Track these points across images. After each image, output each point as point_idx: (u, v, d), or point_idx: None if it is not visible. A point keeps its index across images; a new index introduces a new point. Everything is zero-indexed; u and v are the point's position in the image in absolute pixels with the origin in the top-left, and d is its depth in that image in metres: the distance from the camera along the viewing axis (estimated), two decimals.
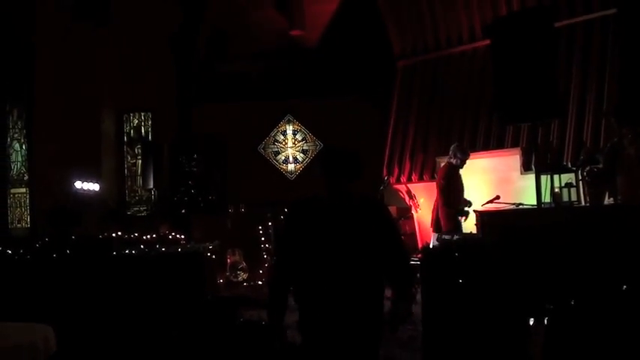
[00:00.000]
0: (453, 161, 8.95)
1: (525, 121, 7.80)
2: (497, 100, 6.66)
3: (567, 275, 5.53)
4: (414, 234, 11.22)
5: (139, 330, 8.87)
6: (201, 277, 9.57)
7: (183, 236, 10.45)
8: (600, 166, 7.18)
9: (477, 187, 10.02)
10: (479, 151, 10.80)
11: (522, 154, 10.13)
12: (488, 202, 8.69)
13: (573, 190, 7.38)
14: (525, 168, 9.99)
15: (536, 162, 7.53)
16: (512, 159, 10.14)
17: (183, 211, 12.56)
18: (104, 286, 9.21)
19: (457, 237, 8.28)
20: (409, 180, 11.81)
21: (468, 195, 10.46)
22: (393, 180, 11.84)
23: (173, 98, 14.05)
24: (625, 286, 5.00)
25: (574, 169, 7.77)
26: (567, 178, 7.58)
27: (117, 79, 13.62)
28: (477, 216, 8.56)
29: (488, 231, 7.32)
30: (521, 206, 7.83)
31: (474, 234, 8.32)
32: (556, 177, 7.53)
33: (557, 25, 8.62)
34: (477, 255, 6.73)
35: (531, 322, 5.48)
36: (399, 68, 12.65)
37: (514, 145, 10.38)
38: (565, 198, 7.35)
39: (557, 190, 7.39)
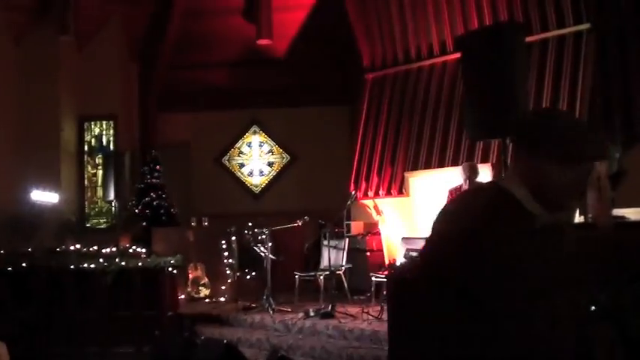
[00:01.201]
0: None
1: (495, 137, 7.79)
2: (468, 114, 6.64)
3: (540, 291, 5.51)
4: (380, 250, 11.17)
5: (98, 346, 8.74)
6: (161, 293, 9.46)
7: (144, 250, 10.30)
8: None
9: (444, 203, 9.98)
10: (448, 165, 10.81)
11: (492, 169, 10.14)
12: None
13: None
14: None
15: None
16: (482, 174, 10.12)
17: (144, 223, 12.40)
18: (61, 300, 9.07)
19: None
20: (376, 195, 11.78)
21: (437, 210, 10.47)
22: (360, 194, 11.80)
23: (136, 106, 13.91)
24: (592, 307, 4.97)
25: None
26: None
27: (78, 86, 13.44)
28: None
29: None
30: None
31: None
32: None
33: (529, 39, 8.67)
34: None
35: None
36: (368, 80, 12.63)
37: (484, 160, 10.39)
38: None
39: None
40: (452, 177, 10.32)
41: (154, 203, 12.66)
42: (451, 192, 9.07)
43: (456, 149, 10.93)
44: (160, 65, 13.96)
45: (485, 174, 10.05)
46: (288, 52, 13.62)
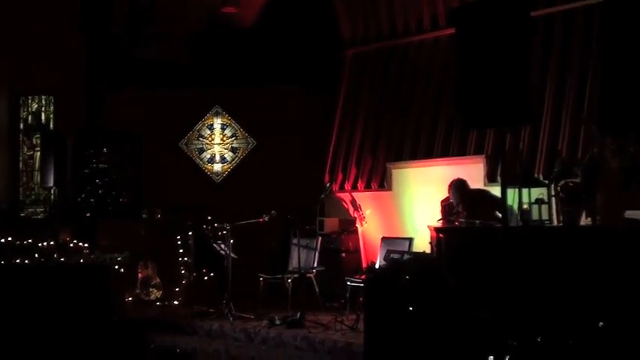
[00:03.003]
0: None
1: (492, 126, 7.79)
2: (460, 99, 6.60)
3: (534, 306, 5.51)
4: (358, 251, 11.17)
5: (31, 355, 8.61)
6: (106, 294, 9.39)
7: (86, 245, 10.24)
8: (577, 180, 7.20)
9: (432, 199, 10.01)
10: (437, 157, 10.82)
11: (487, 162, 10.15)
12: (444, 218, 8.71)
13: (545, 207, 7.40)
14: (490, 179, 10.01)
15: (503, 173, 7.51)
16: (474, 168, 10.15)
17: (88, 214, 12.28)
18: None
19: (408, 256, 8.27)
20: (354, 188, 11.75)
21: (422, 208, 10.51)
22: (335, 187, 11.78)
23: (82, 81, 13.72)
24: (601, 323, 4.99)
25: (546, 182, 7.80)
26: (538, 192, 7.61)
27: (13, 55, 13.23)
28: (431, 233, 8.59)
29: (444, 251, 7.31)
30: (483, 224, 7.83)
31: (427, 254, 8.32)
32: (525, 191, 7.53)
33: (533, 14, 8.65)
34: (431, 279, 6.71)
35: None
36: (348, 57, 12.58)
37: (477, 152, 10.40)
38: (535, 216, 7.36)
39: (525, 206, 7.40)
40: (440, 171, 10.36)
41: (100, 192, 12.54)
42: (443, 205, 9.11)
43: (446, 139, 10.94)
44: (111, 35, 13.78)
45: (477, 169, 10.10)
46: (256, 23, 13.49)
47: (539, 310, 5.49)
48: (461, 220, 8.43)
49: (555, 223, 7.57)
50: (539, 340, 5.29)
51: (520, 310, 5.55)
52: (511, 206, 7.34)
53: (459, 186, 8.91)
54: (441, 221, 8.76)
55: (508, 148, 9.73)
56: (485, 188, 9.51)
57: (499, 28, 5.98)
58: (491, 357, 5.36)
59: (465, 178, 9.04)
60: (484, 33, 6.13)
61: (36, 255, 9.52)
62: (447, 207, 8.93)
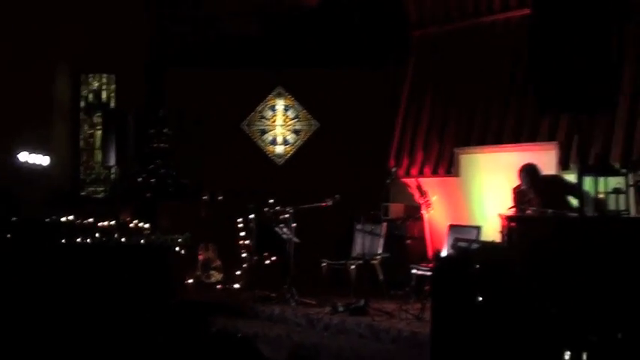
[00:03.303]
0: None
1: (569, 111, 7.64)
2: (535, 83, 6.48)
3: (615, 300, 5.40)
4: (423, 238, 11.08)
5: (88, 335, 8.73)
6: (166, 276, 9.47)
7: (147, 225, 10.33)
8: None
9: (501, 187, 9.89)
10: (507, 143, 10.67)
11: (560, 149, 9.99)
12: (515, 206, 8.58)
13: (622, 197, 7.25)
14: (562, 166, 9.85)
15: (579, 160, 7.39)
16: (546, 155, 9.99)
17: (148, 195, 12.41)
18: (49, 280, 9.08)
19: (476, 245, 8.18)
20: (421, 173, 11.67)
21: (491, 195, 10.38)
22: (401, 172, 11.70)
23: (143, 60, 13.86)
24: None
25: (624, 171, 7.63)
26: (615, 182, 7.45)
27: (74, 33, 13.40)
28: (501, 221, 8.48)
29: (515, 241, 7.21)
30: (556, 213, 7.70)
31: (497, 243, 8.22)
32: (601, 180, 7.39)
33: None
34: (501, 268, 6.62)
35: (567, 357, 5.35)
36: (415, 39, 12.47)
37: (550, 138, 10.24)
38: (612, 206, 7.22)
39: (601, 195, 7.26)
40: (510, 158, 10.22)
41: (161, 172, 12.66)
42: (515, 192, 8.96)
43: (517, 124, 10.79)
44: (173, 13, 13.89)
45: (549, 156, 9.93)
46: (322, 3, 13.44)
47: (620, 303, 5.37)
48: (532, 208, 8.30)
49: (633, 213, 7.41)
50: (619, 336, 5.18)
51: (597, 305, 5.44)
52: (588, 192, 7.21)
53: (529, 171, 8.77)
54: (512, 209, 8.63)
55: (582, 133, 9.60)
56: (558, 174, 9.34)
57: (580, 7, 5.85)
58: (568, 353, 5.27)
59: (535, 164, 8.89)
60: (563, 13, 6.01)
61: (97, 234, 9.64)
62: (519, 194, 8.78)
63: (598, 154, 9.30)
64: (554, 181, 8.78)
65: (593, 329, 5.30)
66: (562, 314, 5.53)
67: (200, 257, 11.40)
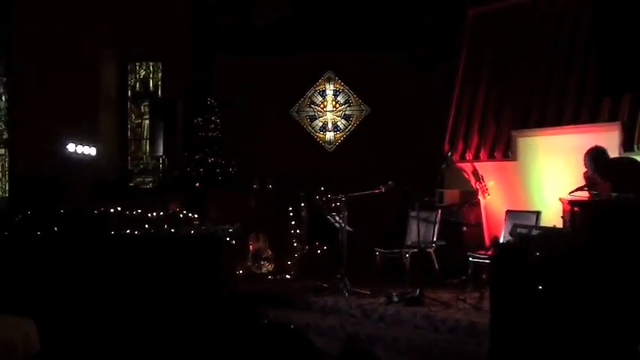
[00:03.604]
0: None
1: (632, 91, 7.50)
2: (598, 62, 6.35)
3: None
4: (480, 225, 10.98)
5: (139, 328, 8.81)
6: (217, 267, 9.53)
7: (196, 215, 10.38)
8: None
9: (563, 171, 9.73)
10: (566, 125, 10.48)
11: (622, 129, 9.79)
12: (577, 189, 8.43)
13: None
14: (626, 147, 9.66)
15: None
16: (608, 136, 9.78)
17: (197, 184, 12.49)
18: (98, 272, 9.18)
19: (537, 231, 8.06)
20: (476, 158, 11.54)
21: (550, 179, 10.23)
22: (456, 157, 11.58)
23: (189, 47, 13.92)
24: None
25: None
26: None
27: (120, 20, 13.50)
28: (563, 206, 8.34)
29: (580, 226, 7.08)
30: (620, 197, 7.54)
31: (559, 228, 8.09)
32: None
33: None
34: (565, 255, 6.51)
35: None
36: (470, 17, 12.30)
37: (611, 118, 10.04)
38: None
39: None
40: (571, 140, 10.07)
41: (210, 161, 12.71)
42: (585, 177, 8.77)
43: (577, 105, 10.58)
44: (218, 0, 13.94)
45: (611, 137, 9.74)
46: None
47: None
48: (600, 193, 8.13)
49: None
50: None
51: None
52: None
53: (594, 155, 8.59)
54: (576, 193, 8.46)
55: None
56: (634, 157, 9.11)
57: None
58: None
59: (604, 147, 8.70)
60: None
61: (146, 225, 9.70)
62: (589, 179, 8.60)
63: None
64: (631, 164, 8.55)
65: None
66: (635, 305, 5.41)
67: (251, 247, 11.44)
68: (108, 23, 13.43)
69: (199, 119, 13.00)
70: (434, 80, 12.58)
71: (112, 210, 10.06)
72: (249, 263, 11.41)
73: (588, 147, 8.83)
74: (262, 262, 11.43)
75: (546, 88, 11.00)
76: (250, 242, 11.43)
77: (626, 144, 9.70)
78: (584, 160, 8.59)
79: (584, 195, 8.19)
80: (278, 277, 11.30)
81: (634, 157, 9.02)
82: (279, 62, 13.43)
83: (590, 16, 10.50)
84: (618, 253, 5.76)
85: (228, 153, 12.94)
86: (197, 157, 12.76)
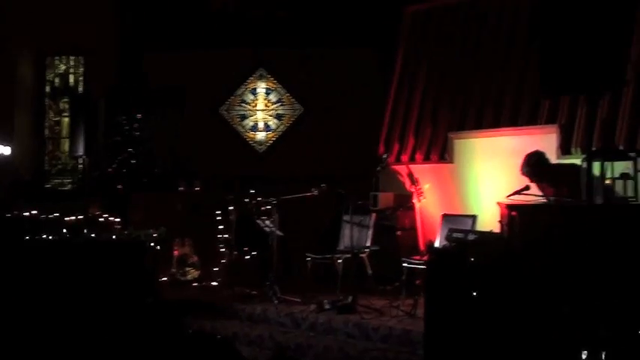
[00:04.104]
0: None
1: (579, 93, 7.64)
2: (544, 64, 6.44)
3: (630, 293, 5.38)
4: (414, 229, 11.05)
5: (57, 339, 8.68)
6: (140, 274, 9.42)
7: (118, 220, 10.28)
8: None
9: (501, 174, 9.87)
10: (504, 127, 10.63)
11: (561, 132, 9.97)
12: (514, 193, 8.53)
13: (630, 183, 7.21)
14: (564, 150, 9.84)
15: (585, 143, 7.34)
16: (547, 138, 9.95)
17: (120, 186, 12.35)
18: (12, 281, 9.02)
19: (473, 236, 8.15)
20: (412, 160, 11.63)
21: (487, 182, 10.36)
22: (392, 159, 11.65)
23: (114, 40, 13.76)
24: None
25: (632, 155, 7.59)
26: (623, 166, 7.41)
27: (39, 11, 13.30)
28: (501, 210, 8.45)
29: (516, 230, 7.17)
30: (558, 201, 7.67)
31: (495, 233, 8.19)
32: (607, 164, 7.34)
33: None
34: (501, 261, 6.60)
35: (584, 357, 5.32)
36: (408, 15, 12.40)
37: (550, 121, 10.21)
38: (619, 193, 7.18)
39: (608, 182, 7.22)
40: (508, 142, 10.22)
41: (133, 161, 12.59)
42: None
43: (515, 106, 10.74)
44: None
45: (549, 140, 9.90)
46: None
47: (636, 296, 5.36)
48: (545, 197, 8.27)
49: None
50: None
51: (613, 297, 5.43)
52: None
53: (534, 160, 8.70)
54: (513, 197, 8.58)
55: (585, 115, 9.58)
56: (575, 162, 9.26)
57: None
58: (585, 352, 5.24)
59: (542, 151, 8.83)
60: None
61: (64, 230, 9.57)
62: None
63: (604, 136, 9.25)
64: (571, 169, 8.67)
65: (608, 324, 5.28)
66: (575, 311, 5.50)
67: (176, 253, 11.36)
68: (25, 14, 13.21)
69: (123, 117, 12.86)
70: (368, 79, 12.65)
71: (26, 213, 9.89)
72: (173, 270, 11.33)
73: (526, 149, 8.96)
74: (188, 269, 11.37)
75: (484, 89, 11.14)
76: (175, 247, 11.35)
77: (564, 147, 9.87)
78: (522, 165, 8.71)
79: (522, 199, 8.31)
80: (204, 284, 11.24)
81: (572, 160, 9.18)
82: (209, 58, 13.36)
83: (528, 16, 10.70)
84: (557, 260, 5.85)
85: (153, 153, 12.82)
86: (120, 157, 12.63)
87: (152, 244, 9.75)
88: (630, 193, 7.29)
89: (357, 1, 12.92)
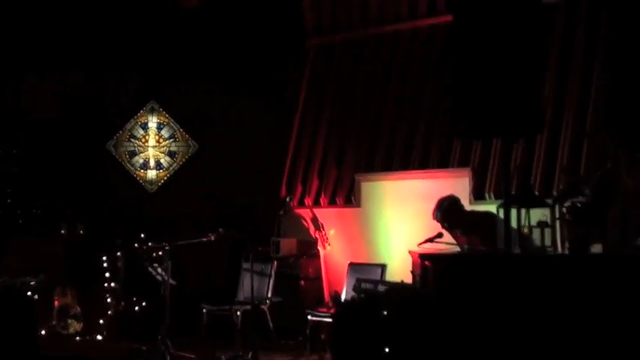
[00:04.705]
0: None
1: (495, 136, 7.75)
2: (456, 104, 6.49)
3: (545, 349, 5.45)
4: (319, 279, 11.05)
5: None
6: (15, 327, 9.12)
7: None
8: (585, 200, 7.16)
9: (411, 219, 9.94)
10: (414, 170, 10.75)
11: (473, 176, 10.11)
12: (426, 241, 8.62)
13: (547, 232, 7.33)
14: (476, 196, 9.98)
15: (503, 189, 7.47)
16: (459, 182, 10.10)
17: None
18: None
19: (383, 287, 8.16)
20: (316, 203, 11.64)
21: (397, 229, 10.43)
22: (294, 202, 11.64)
23: None
24: None
25: (549, 202, 7.73)
26: (540, 214, 7.53)
27: None
28: (413, 259, 8.49)
29: (429, 281, 7.19)
30: (471, 250, 7.77)
31: (407, 284, 8.23)
32: (523, 211, 7.45)
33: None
34: (414, 313, 6.61)
35: None
36: (311, 48, 12.47)
37: (462, 164, 10.35)
38: (536, 242, 7.29)
39: (525, 230, 7.32)
40: (419, 186, 10.31)
41: (8, 202, 12.28)
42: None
43: (425, 148, 10.88)
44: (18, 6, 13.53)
45: (462, 184, 10.03)
46: (204, 2, 13.30)
47: (551, 353, 5.43)
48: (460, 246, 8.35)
49: (560, 250, 7.51)
50: None
51: (527, 352, 5.49)
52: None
53: (447, 206, 8.77)
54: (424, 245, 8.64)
55: (497, 159, 9.77)
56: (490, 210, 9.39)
57: (506, 16, 5.91)
58: None
59: (456, 196, 8.92)
60: (486, 23, 6.06)
61: None
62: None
63: (518, 182, 9.41)
64: (487, 216, 8.76)
65: None
66: None
67: (56, 303, 11.07)
68: None
69: None
70: (270, 116, 12.60)
71: None
72: (54, 322, 11.04)
73: (438, 194, 9.04)
74: (69, 321, 11.08)
75: (393, 130, 11.24)
76: (56, 297, 11.07)
77: (477, 191, 10.01)
78: (434, 210, 8.77)
79: (435, 247, 8.37)
80: (88, 338, 10.99)
81: (485, 206, 9.31)
82: (95, 88, 13.13)
83: (438, 53, 10.87)
84: (474, 313, 5.88)
85: (32, 192, 12.50)
86: None
87: (29, 294, 9.51)
88: (548, 242, 7.41)
89: (258, 32, 12.90)
